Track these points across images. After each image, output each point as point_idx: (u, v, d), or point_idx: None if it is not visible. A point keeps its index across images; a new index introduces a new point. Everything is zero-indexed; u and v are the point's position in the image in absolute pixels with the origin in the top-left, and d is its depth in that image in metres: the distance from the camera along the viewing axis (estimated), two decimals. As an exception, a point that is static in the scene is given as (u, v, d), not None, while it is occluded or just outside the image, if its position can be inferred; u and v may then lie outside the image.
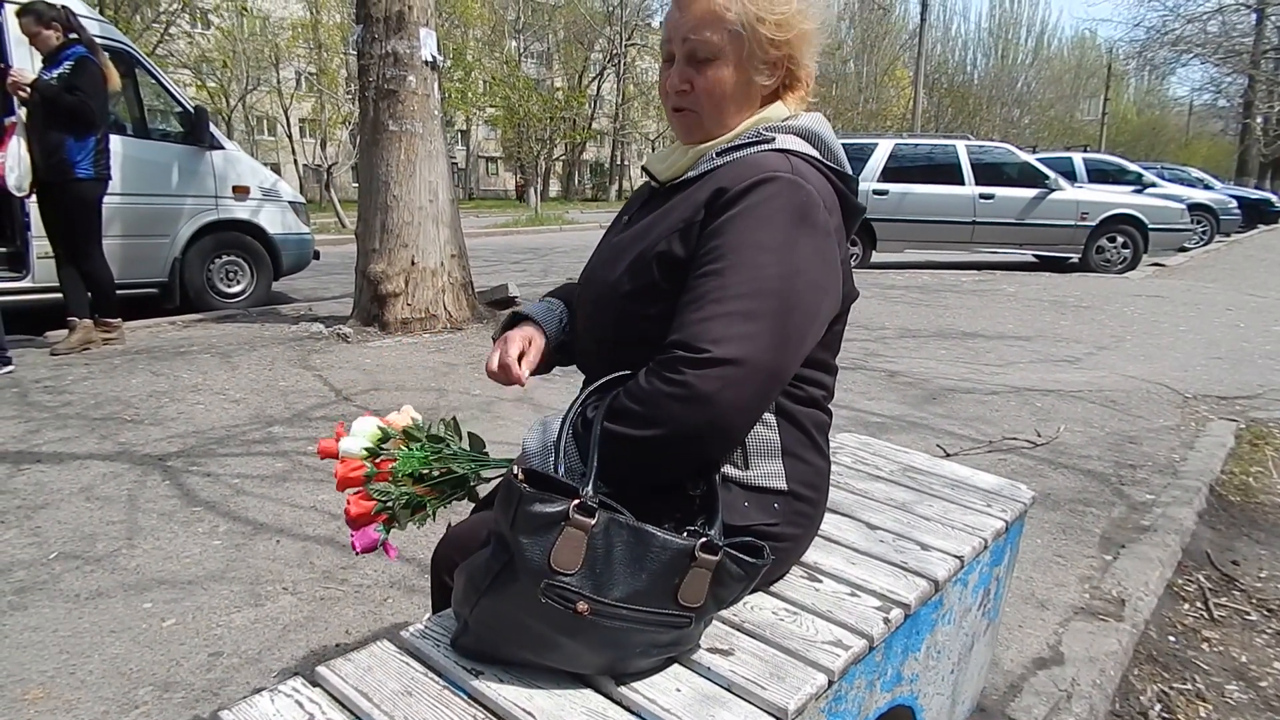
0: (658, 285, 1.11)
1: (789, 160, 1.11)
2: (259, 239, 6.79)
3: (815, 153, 1.16)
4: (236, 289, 6.77)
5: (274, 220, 6.84)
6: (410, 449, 1.23)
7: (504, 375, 1.23)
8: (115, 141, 5.03)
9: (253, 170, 6.78)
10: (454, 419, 1.32)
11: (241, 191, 6.56)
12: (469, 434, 1.31)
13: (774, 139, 1.15)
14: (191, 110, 6.32)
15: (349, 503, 1.20)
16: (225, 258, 6.65)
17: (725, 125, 1.18)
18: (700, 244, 1.07)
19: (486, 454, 1.29)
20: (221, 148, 6.43)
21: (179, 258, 6.26)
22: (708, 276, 1.03)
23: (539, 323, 1.30)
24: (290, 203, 7.03)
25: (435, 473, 1.22)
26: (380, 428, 1.26)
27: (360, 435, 1.24)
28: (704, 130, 1.19)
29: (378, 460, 1.23)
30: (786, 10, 1.13)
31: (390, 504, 1.19)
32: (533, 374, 1.26)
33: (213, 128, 6.40)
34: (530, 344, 1.27)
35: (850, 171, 1.21)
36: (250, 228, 6.70)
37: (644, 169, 1.28)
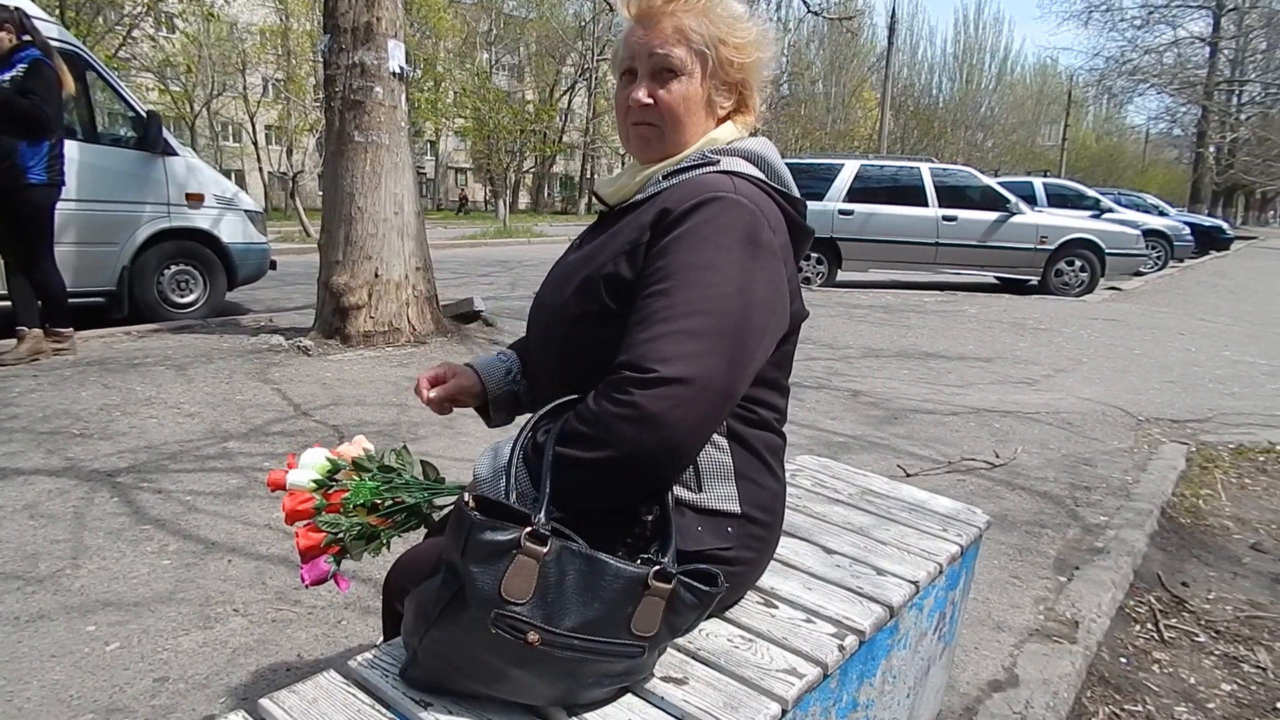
0: (606, 308, 1.11)
1: (733, 181, 1.12)
2: (213, 248, 6.62)
3: (761, 175, 1.18)
4: (188, 299, 6.61)
5: (230, 229, 6.69)
6: (361, 480, 1.21)
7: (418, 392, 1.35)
8: (66, 146, 4.91)
9: (212, 179, 6.65)
10: (404, 447, 1.31)
11: (195, 199, 6.41)
12: (421, 462, 1.30)
13: (719, 161, 1.17)
14: (144, 115, 6.15)
15: (298, 535, 1.18)
16: (176, 267, 6.49)
17: (682, 143, 1.20)
18: (646, 265, 1.08)
19: (441, 480, 1.27)
20: (175, 154, 6.28)
21: (128, 266, 6.09)
22: (654, 296, 1.04)
23: (477, 369, 1.39)
24: (247, 211, 6.89)
25: (387, 502, 1.20)
26: (329, 459, 1.24)
27: (308, 467, 1.22)
28: (662, 145, 1.21)
29: (328, 492, 1.21)
30: (747, 36, 1.19)
31: (341, 535, 1.17)
32: (483, 410, 1.39)
33: (168, 134, 6.27)
34: (451, 376, 1.36)
35: (797, 194, 1.23)
36: (204, 236, 6.54)
37: (593, 193, 1.29)
